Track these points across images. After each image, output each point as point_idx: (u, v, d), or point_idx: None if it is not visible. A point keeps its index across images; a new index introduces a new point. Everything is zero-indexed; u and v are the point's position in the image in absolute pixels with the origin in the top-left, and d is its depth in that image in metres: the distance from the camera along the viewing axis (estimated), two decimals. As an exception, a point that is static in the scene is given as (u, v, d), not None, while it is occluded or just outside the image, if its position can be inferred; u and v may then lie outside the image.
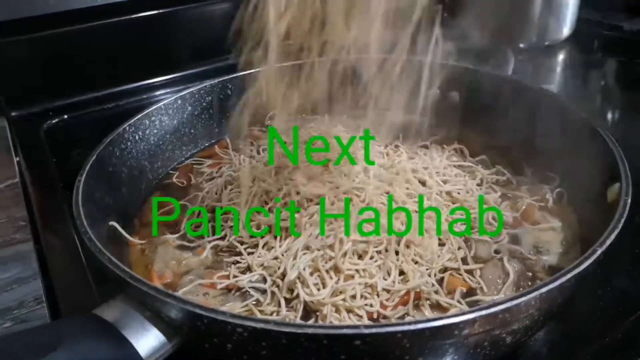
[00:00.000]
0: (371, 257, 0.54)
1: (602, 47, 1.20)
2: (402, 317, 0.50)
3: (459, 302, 0.51)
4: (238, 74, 0.82)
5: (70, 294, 0.58)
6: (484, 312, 0.38)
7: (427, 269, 0.53)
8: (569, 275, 0.41)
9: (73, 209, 0.52)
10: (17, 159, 0.84)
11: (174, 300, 0.40)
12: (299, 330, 0.37)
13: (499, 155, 0.72)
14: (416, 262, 0.54)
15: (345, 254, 0.52)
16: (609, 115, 0.95)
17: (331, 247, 0.53)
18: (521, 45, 1.14)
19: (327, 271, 0.51)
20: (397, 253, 0.54)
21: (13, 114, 0.96)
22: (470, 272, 0.54)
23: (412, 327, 0.37)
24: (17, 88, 0.96)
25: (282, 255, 0.55)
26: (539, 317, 0.43)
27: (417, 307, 0.50)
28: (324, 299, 0.49)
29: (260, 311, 0.51)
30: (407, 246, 0.54)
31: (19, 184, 0.77)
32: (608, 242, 0.44)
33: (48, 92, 0.99)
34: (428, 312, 0.50)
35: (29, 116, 0.97)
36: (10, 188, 0.76)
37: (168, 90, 1.05)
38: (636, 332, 0.52)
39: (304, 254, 0.54)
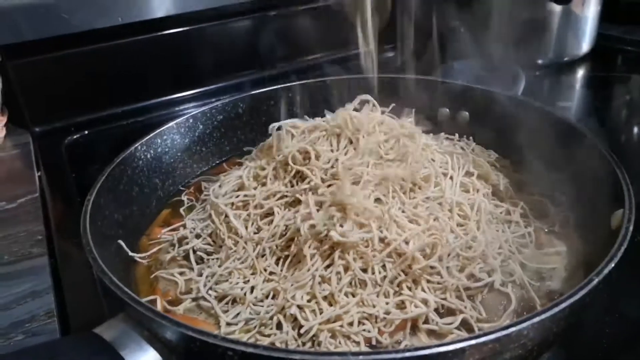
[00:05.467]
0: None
1: (623, 63, 1.17)
2: (398, 342, 0.49)
3: (457, 328, 0.50)
4: (249, 93, 0.83)
5: (81, 309, 0.59)
6: (473, 342, 0.38)
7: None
8: (562, 306, 0.40)
9: (80, 228, 0.53)
10: (39, 173, 0.86)
11: (168, 322, 0.41)
12: (288, 356, 0.38)
13: (506, 175, 0.71)
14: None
15: (341, 290, 0.51)
16: (634, 135, 0.92)
17: (329, 280, 0.52)
18: (539, 62, 1.13)
19: (324, 297, 0.51)
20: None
21: (36, 129, 0.99)
22: (471, 297, 0.53)
23: (399, 355, 0.37)
24: (42, 104, 0.99)
25: (281, 288, 0.53)
26: (533, 346, 0.42)
27: (413, 332, 0.50)
28: (320, 324, 0.49)
29: (260, 332, 0.51)
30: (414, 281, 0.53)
31: (39, 199, 0.79)
32: (606, 270, 0.44)
33: (71, 108, 1.02)
34: (424, 338, 0.49)
35: (52, 131, 1.00)
36: (30, 202, 0.78)
37: (188, 105, 1.08)
38: (643, 360, 0.51)
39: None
